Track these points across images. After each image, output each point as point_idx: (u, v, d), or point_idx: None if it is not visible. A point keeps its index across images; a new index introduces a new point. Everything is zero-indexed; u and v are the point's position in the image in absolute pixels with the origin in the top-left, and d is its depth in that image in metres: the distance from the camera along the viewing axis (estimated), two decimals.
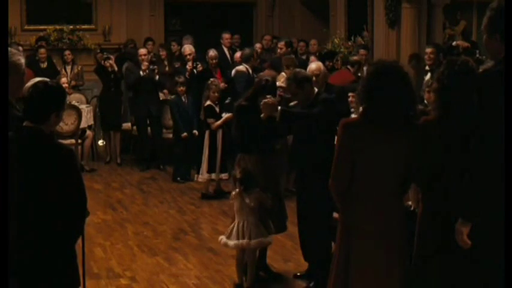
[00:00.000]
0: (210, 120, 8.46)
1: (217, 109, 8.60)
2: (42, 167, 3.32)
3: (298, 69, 5.94)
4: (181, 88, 9.58)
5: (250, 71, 9.51)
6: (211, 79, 8.94)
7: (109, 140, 10.82)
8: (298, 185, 5.89)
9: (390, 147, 3.54)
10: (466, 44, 11.93)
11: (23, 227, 3.28)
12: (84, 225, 4.16)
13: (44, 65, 11.32)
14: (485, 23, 3.45)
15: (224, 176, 8.56)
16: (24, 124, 3.38)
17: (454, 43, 12.07)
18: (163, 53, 11.75)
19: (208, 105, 8.50)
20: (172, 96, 10.55)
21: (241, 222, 5.47)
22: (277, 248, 6.56)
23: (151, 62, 10.23)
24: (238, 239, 5.45)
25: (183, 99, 9.60)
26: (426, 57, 9.36)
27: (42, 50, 11.45)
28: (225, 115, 8.57)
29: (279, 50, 10.69)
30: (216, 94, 8.53)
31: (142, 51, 10.41)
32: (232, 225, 5.54)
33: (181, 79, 9.65)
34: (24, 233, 3.28)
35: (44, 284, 3.36)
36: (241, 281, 5.60)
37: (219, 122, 8.52)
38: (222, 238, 5.61)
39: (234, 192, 5.59)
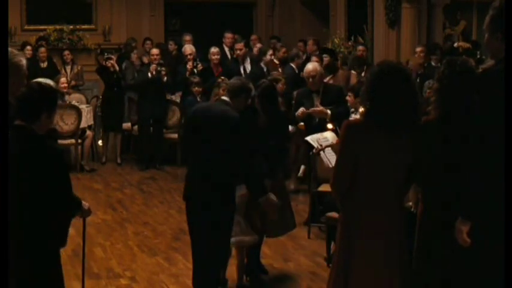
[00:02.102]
0: None
1: None
2: (29, 165, 3.34)
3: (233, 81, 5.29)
4: (197, 88, 9.39)
5: (297, 70, 9.78)
6: (222, 77, 8.95)
7: (107, 140, 10.81)
8: None
9: (392, 148, 3.53)
10: (466, 45, 12.00)
11: (8, 227, 3.27)
12: (82, 226, 4.17)
13: (44, 65, 11.31)
14: (487, 22, 3.45)
15: None
16: (15, 123, 3.42)
17: (455, 44, 12.14)
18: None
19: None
20: (173, 96, 10.57)
21: None
22: (277, 248, 6.57)
23: (159, 64, 10.20)
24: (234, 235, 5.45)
25: (199, 100, 9.53)
26: (416, 56, 9.48)
27: (42, 49, 11.44)
28: None
29: (238, 52, 10.50)
30: (225, 92, 8.50)
31: (155, 51, 10.33)
32: None
33: (197, 79, 9.47)
34: (11, 232, 3.28)
35: (29, 285, 3.37)
36: (241, 281, 5.61)
37: None
38: None
39: None
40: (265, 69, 9.94)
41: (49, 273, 3.45)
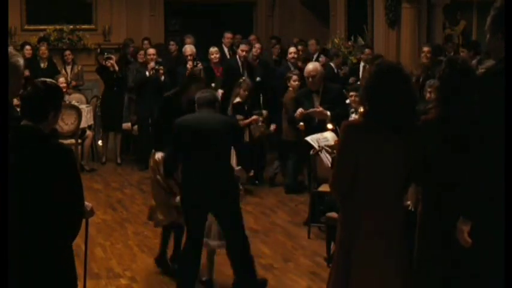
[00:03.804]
0: (238, 117, 8.49)
1: (245, 107, 8.70)
2: (39, 165, 3.30)
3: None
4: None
5: (335, 69, 10.38)
6: (243, 77, 8.99)
7: (107, 140, 10.81)
8: None
9: (392, 148, 3.52)
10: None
11: (19, 227, 3.26)
12: (84, 226, 4.15)
13: (45, 65, 11.30)
14: (488, 23, 3.45)
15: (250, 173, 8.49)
16: (22, 123, 3.37)
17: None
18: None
19: (238, 102, 8.55)
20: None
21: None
22: (277, 248, 6.57)
23: (156, 62, 10.20)
24: (220, 239, 5.41)
25: None
26: (423, 55, 9.48)
27: (43, 49, 11.42)
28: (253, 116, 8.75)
29: (244, 53, 10.10)
30: (247, 92, 8.57)
31: (151, 51, 10.36)
32: (208, 224, 5.41)
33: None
34: (20, 233, 3.27)
35: (41, 285, 3.35)
36: (211, 277, 5.65)
37: (247, 121, 8.63)
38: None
39: None
40: (292, 68, 9.90)
41: (62, 272, 3.42)
